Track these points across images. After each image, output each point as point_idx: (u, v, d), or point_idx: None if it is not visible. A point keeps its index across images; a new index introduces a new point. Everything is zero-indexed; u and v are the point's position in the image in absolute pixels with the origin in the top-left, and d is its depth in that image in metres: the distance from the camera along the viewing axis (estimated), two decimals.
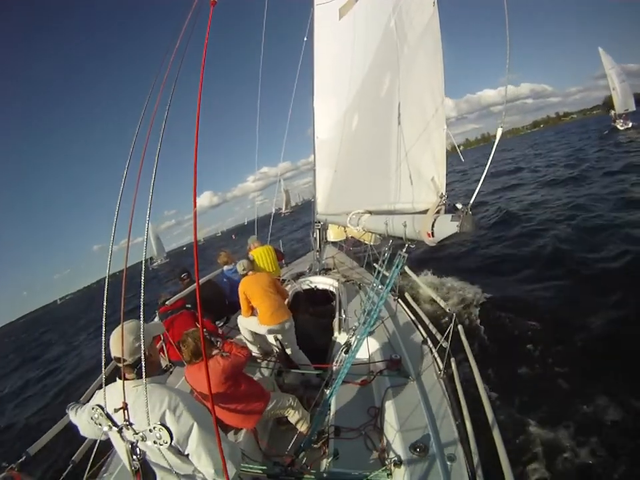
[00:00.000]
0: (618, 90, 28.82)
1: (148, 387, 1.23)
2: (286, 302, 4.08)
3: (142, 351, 1.20)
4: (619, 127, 27.83)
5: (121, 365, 1.29)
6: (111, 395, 1.29)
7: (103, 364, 1.25)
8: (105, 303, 1.25)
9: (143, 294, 1.15)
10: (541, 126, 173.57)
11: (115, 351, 1.31)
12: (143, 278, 1.13)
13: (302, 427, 2.35)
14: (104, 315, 1.22)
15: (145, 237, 1.21)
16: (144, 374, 1.23)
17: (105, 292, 1.25)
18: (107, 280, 1.26)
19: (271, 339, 3.20)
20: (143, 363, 1.21)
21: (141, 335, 1.20)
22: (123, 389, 1.24)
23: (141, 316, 1.19)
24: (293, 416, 2.37)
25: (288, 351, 3.14)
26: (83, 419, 1.47)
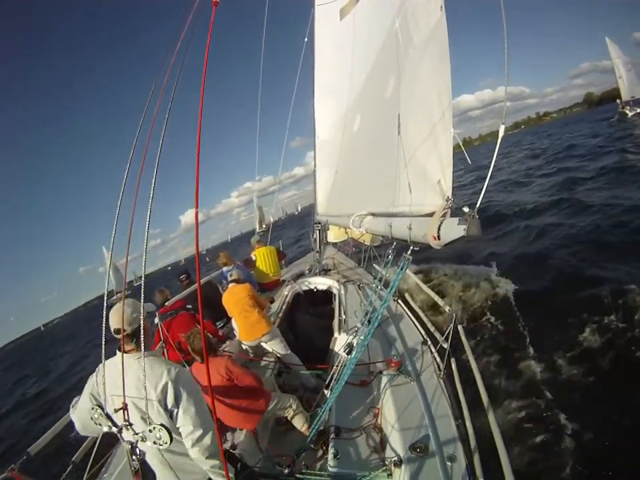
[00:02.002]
0: (624, 78, 29.69)
1: (149, 360, 1.34)
2: (284, 304, 4.09)
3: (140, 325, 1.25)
4: (627, 112, 28.02)
5: (119, 336, 1.38)
6: (109, 370, 1.38)
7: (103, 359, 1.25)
8: (104, 312, 1.28)
9: (143, 292, 1.17)
10: (522, 127, 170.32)
11: (114, 323, 1.42)
12: (143, 279, 1.14)
13: (302, 427, 2.35)
14: (104, 326, 1.25)
15: (145, 244, 1.19)
16: (142, 346, 1.30)
17: (104, 309, 1.28)
18: (105, 294, 1.28)
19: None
20: (142, 335, 1.28)
21: (141, 309, 1.27)
22: (123, 384, 1.26)
23: (141, 318, 1.21)
24: (292, 416, 2.37)
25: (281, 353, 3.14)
26: (83, 416, 1.48)
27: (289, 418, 2.38)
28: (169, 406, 1.34)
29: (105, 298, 1.43)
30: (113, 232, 1.19)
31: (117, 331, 1.41)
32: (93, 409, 1.33)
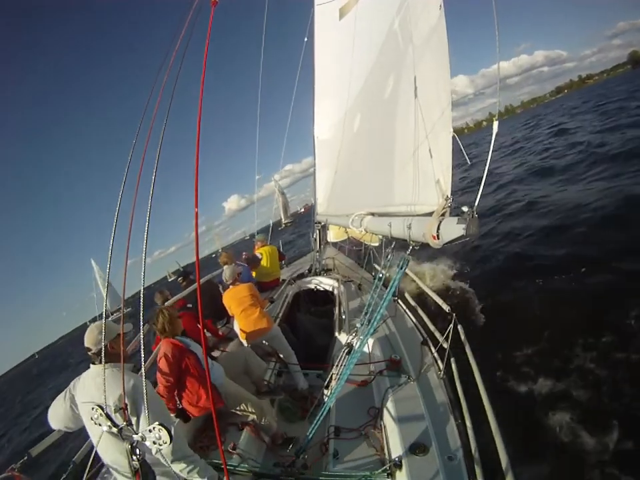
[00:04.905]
0: None
1: (112, 370, 1.46)
2: (284, 304, 4.09)
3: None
4: None
5: (90, 352, 1.58)
6: (83, 379, 1.56)
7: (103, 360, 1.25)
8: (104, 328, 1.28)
9: (142, 296, 1.17)
10: (565, 91, 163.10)
11: (86, 342, 1.59)
12: (142, 282, 1.14)
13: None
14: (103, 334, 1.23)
15: (144, 248, 1.17)
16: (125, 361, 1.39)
17: (103, 322, 1.29)
18: (104, 306, 1.28)
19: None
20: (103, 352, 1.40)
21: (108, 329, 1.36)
22: (123, 390, 1.27)
23: (141, 327, 1.21)
24: (253, 423, 2.30)
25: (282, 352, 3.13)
26: (56, 409, 1.60)
27: (256, 421, 2.29)
28: (129, 413, 1.39)
29: (104, 314, 1.46)
30: (111, 243, 1.15)
31: (87, 349, 1.58)
32: (93, 409, 1.34)
